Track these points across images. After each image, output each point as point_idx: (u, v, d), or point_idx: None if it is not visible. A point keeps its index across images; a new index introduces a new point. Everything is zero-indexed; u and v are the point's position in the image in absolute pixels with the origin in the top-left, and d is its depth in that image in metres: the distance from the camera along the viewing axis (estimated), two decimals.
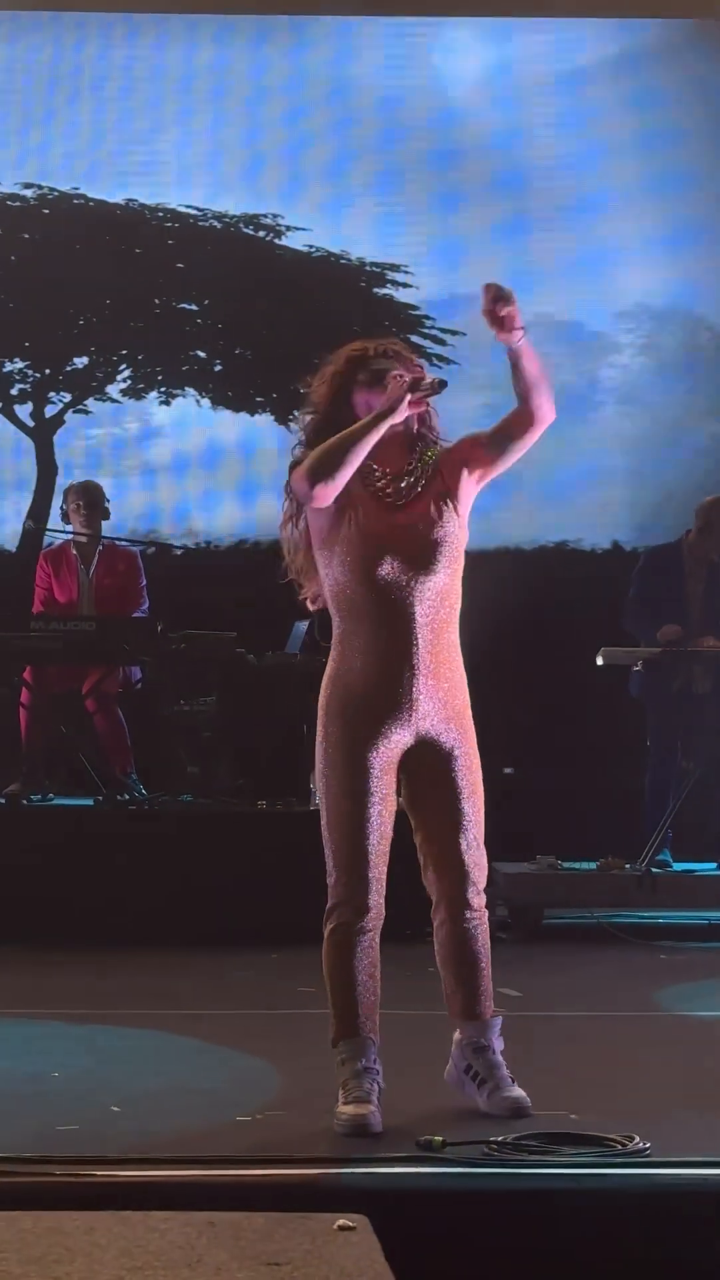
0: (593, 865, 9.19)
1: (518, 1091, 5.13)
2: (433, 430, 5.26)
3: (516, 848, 9.22)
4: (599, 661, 9.41)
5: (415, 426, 5.21)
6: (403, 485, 5.16)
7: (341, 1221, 3.62)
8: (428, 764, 5.14)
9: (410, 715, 5.07)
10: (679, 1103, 5.42)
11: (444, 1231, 4.33)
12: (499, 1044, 5.23)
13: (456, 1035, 5.26)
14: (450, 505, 5.18)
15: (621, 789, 9.84)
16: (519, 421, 5.19)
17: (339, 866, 5.10)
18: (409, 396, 5.07)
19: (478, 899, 5.20)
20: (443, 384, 5.11)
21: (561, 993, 7.59)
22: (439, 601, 5.11)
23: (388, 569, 5.06)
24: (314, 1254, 3.45)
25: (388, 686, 5.06)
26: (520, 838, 9.43)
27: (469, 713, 5.19)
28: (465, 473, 5.21)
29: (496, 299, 5.10)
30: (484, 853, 5.21)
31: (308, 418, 5.29)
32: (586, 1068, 6.03)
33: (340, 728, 5.09)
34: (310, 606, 5.34)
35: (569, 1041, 6.53)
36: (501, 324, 5.11)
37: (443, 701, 5.11)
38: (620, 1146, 4.69)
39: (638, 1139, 4.72)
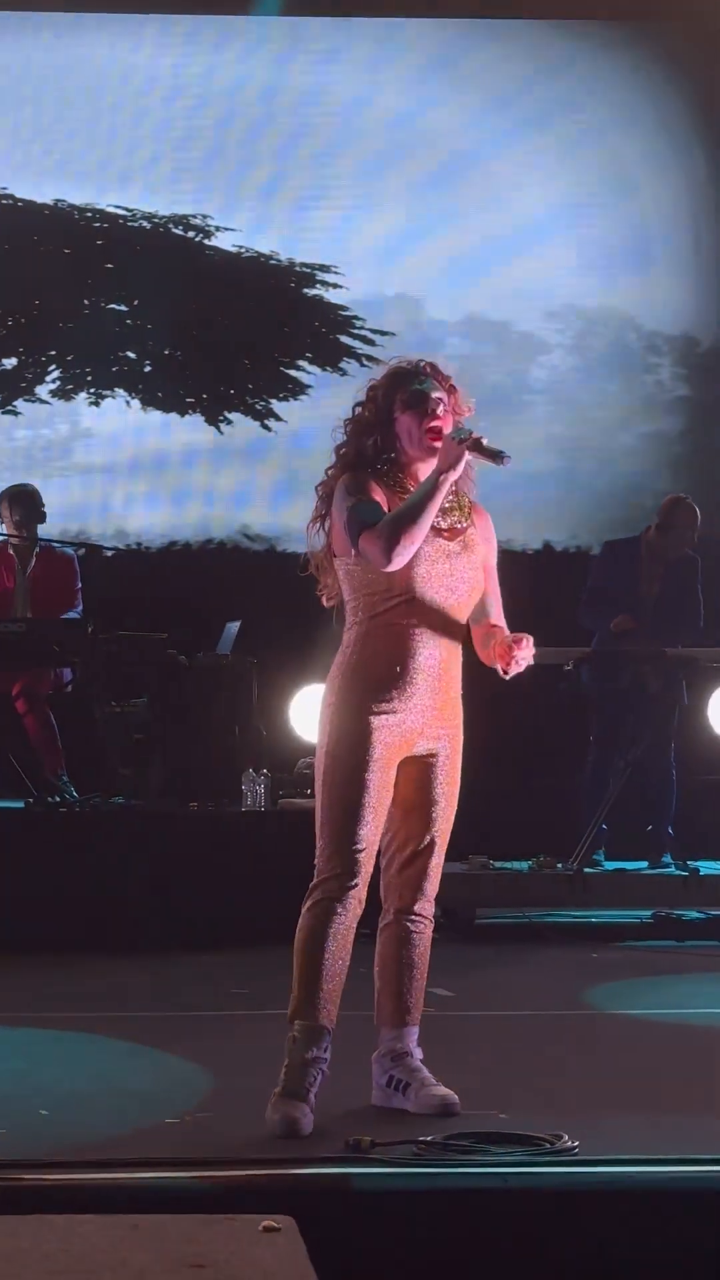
0: (525, 865, 9.20)
1: (443, 1090, 5.16)
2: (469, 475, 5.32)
3: (449, 847, 9.21)
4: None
5: None
6: (452, 518, 5.24)
7: (267, 1223, 3.61)
8: (418, 772, 5.24)
9: (417, 724, 5.18)
10: (607, 1102, 5.44)
11: (371, 1232, 4.33)
12: (418, 1052, 5.25)
13: (376, 1052, 5.27)
14: (478, 550, 5.29)
15: (555, 788, 9.85)
16: (476, 637, 5.37)
17: (330, 846, 5.14)
18: (468, 456, 5.12)
19: (428, 909, 5.30)
20: (505, 458, 5.12)
21: (493, 992, 7.60)
22: (460, 621, 5.27)
23: (428, 588, 5.18)
24: (238, 1255, 3.43)
25: (404, 694, 5.16)
26: (453, 837, 9.43)
27: (462, 732, 5.31)
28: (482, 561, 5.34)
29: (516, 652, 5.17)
30: (441, 866, 5.32)
31: (351, 435, 5.33)
32: (516, 1067, 6.04)
33: (358, 725, 5.15)
34: (325, 603, 5.41)
35: (499, 1040, 6.53)
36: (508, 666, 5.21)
37: (444, 716, 5.23)
38: (548, 1145, 4.69)
39: (566, 1138, 4.73)
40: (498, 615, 5.38)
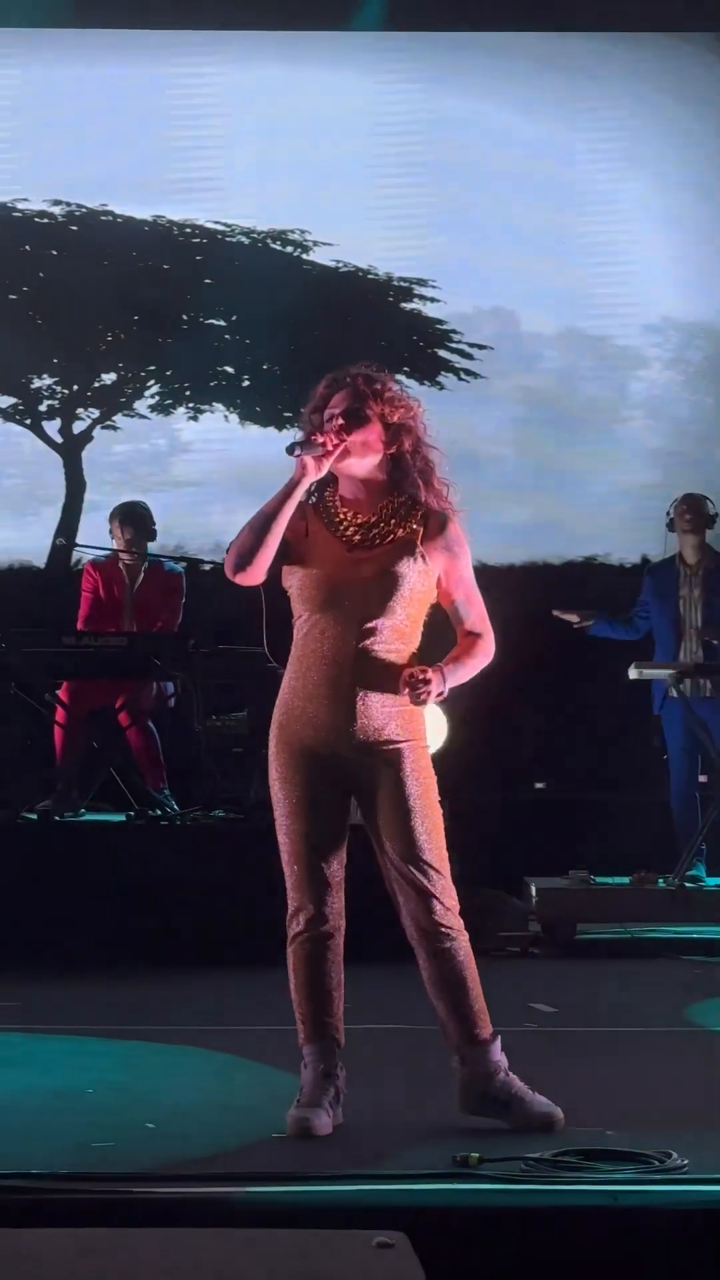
0: (626, 880, 9.16)
1: (543, 1104, 5.14)
2: (421, 478, 5.27)
3: (549, 863, 9.21)
4: (631, 675, 9.40)
5: (390, 469, 5.27)
6: (371, 533, 5.23)
7: (380, 1239, 3.61)
8: (374, 794, 5.23)
9: (344, 741, 5.18)
10: (716, 1118, 5.40)
11: (481, 1248, 4.31)
12: (504, 1061, 5.22)
13: (457, 1063, 5.24)
14: (423, 561, 5.23)
15: (654, 803, 9.81)
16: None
17: (288, 881, 5.29)
18: (310, 464, 5.14)
19: (449, 916, 5.23)
20: (297, 448, 5.17)
21: (595, 1008, 7.57)
22: (390, 639, 5.20)
23: (338, 602, 5.17)
24: (352, 1271, 3.44)
25: (322, 711, 5.19)
26: (553, 853, 9.42)
27: (421, 738, 5.27)
28: (439, 570, 5.28)
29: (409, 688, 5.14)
30: (445, 869, 5.24)
31: None
32: (622, 1083, 6.01)
33: (283, 753, 5.28)
34: None
35: (604, 1057, 6.50)
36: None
37: (383, 728, 5.19)
38: (657, 1163, 4.67)
39: (675, 1155, 4.70)
40: (473, 622, 5.30)
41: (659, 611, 9.71)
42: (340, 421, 5.16)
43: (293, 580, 5.26)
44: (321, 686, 5.18)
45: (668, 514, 9.85)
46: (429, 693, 5.09)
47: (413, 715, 5.23)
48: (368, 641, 5.16)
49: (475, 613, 5.31)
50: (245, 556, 5.17)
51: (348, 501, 5.27)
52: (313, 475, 5.16)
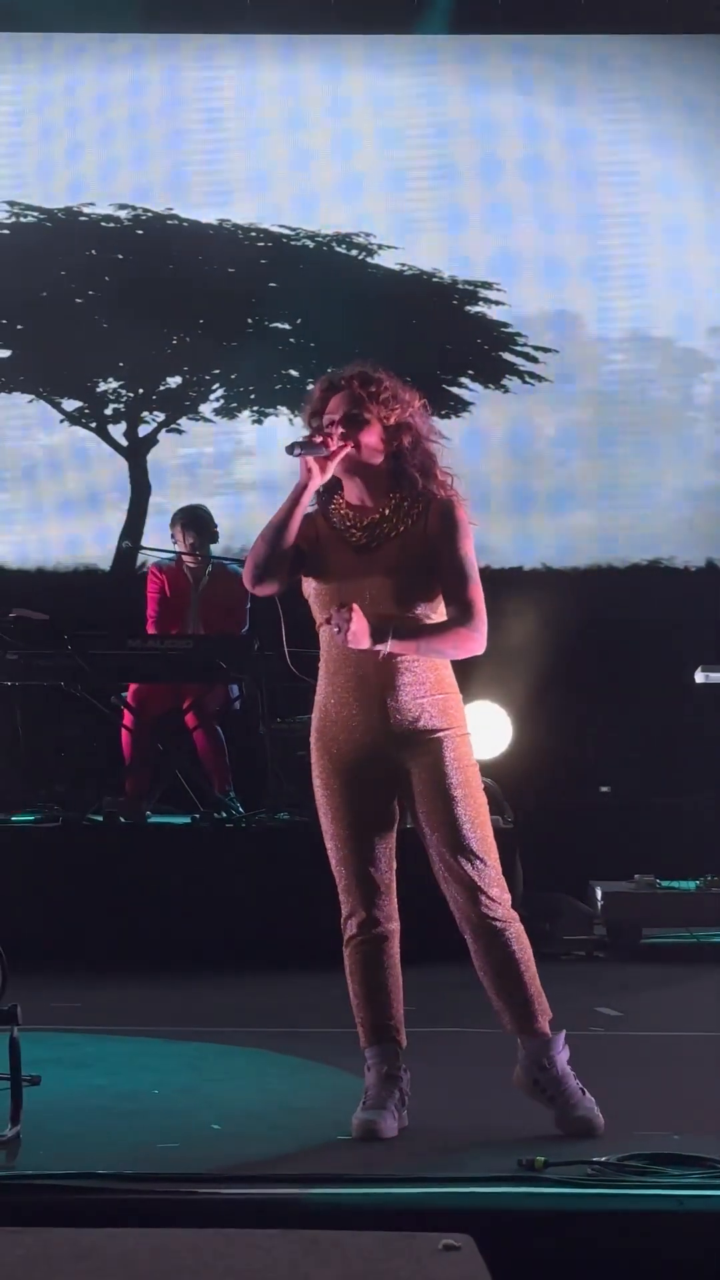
0: (692, 885, 9.13)
1: (587, 1109, 5.09)
2: (421, 473, 5.26)
3: (615, 866, 9.18)
4: (697, 679, 9.37)
5: (391, 468, 5.26)
6: (376, 531, 5.22)
7: (446, 1241, 3.61)
8: (417, 782, 5.21)
9: (382, 737, 5.18)
10: None
11: (547, 1252, 4.31)
12: (564, 1054, 5.19)
13: (520, 1057, 5.23)
14: (422, 553, 5.21)
15: None
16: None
17: (339, 885, 5.33)
18: (315, 466, 5.12)
19: (496, 908, 5.20)
20: (297, 447, 5.14)
21: (661, 1012, 7.55)
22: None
23: (353, 601, 5.12)
24: (420, 1274, 3.44)
25: (353, 710, 5.19)
26: (618, 856, 9.40)
27: (459, 730, 5.24)
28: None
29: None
30: (491, 858, 5.21)
31: None
32: (688, 1087, 5.98)
33: (324, 759, 5.27)
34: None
35: (670, 1061, 6.48)
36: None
37: (417, 719, 5.18)
38: None
39: None
40: (455, 605, 5.18)
41: None
42: (340, 429, 5.15)
43: (310, 588, 5.29)
44: (350, 688, 5.19)
45: None
46: (345, 629, 5.02)
47: (447, 704, 5.22)
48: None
49: (460, 597, 5.19)
50: (261, 566, 5.19)
51: (353, 505, 5.28)
52: (318, 479, 5.14)
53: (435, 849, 5.22)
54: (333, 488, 5.30)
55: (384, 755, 5.20)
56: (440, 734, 5.20)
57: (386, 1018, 5.24)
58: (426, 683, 5.19)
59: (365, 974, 5.27)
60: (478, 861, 5.18)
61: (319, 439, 5.15)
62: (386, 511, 5.23)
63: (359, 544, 5.23)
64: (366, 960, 5.27)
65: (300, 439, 5.19)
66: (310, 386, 5.44)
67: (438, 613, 5.22)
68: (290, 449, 5.14)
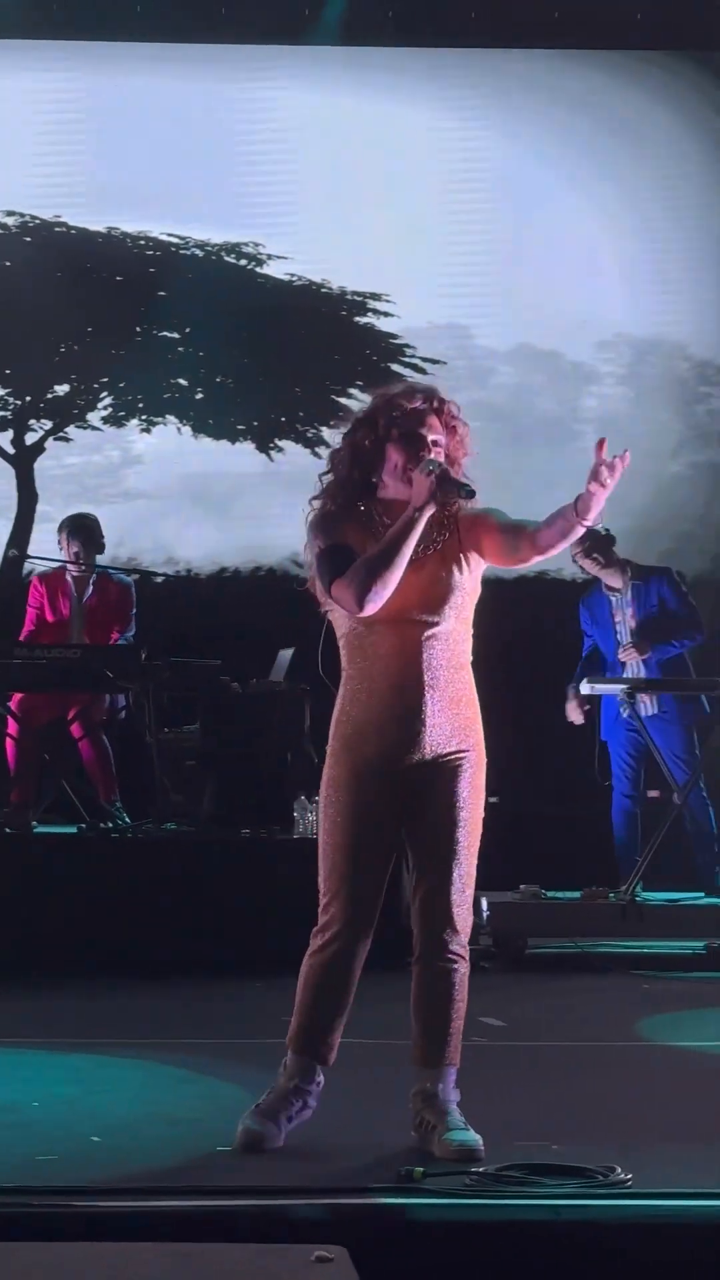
0: (577, 894, 9.17)
1: (467, 1135, 5.02)
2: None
3: (500, 877, 9.20)
4: (583, 690, 9.42)
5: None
6: (419, 544, 5.15)
7: (319, 1253, 3.60)
8: (432, 799, 5.16)
9: (417, 750, 5.12)
10: (661, 1134, 5.41)
11: (423, 1263, 4.31)
12: (454, 1095, 5.15)
13: (411, 1090, 5.20)
14: (465, 564, 5.19)
15: (605, 819, 9.83)
16: (530, 547, 5.14)
17: (326, 889, 5.16)
18: (437, 492, 5.06)
19: (459, 946, 5.19)
20: (468, 493, 5.06)
21: (545, 1022, 7.58)
22: (450, 643, 5.17)
23: (402, 615, 5.09)
24: None
25: (396, 724, 5.12)
26: (504, 867, 9.41)
27: (482, 751, 5.22)
28: (478, 552, 5.21)
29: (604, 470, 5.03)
30: (470, 892, 5.20)
31: (342, 463, 5.27)
32: (569, 1098, 6.01)
33: (346, 767, 5.16)
34: (327, 619, 5.35)
35: (552, 1071, 6.51)
36: (596, 493, 5.03)
37: (452, 737, 5.15)
38: (601, 1178, 4.66)
39: (619, 1170, 4.69)
40: (515, 524, 5.17)
41: (600, 637, 9.78)
42: (445, 469, 5.09)
43: None
44: (389, 699, 5.11)
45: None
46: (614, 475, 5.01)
47: (473, 723, 5.20)
48: (429, 651, 5.12)
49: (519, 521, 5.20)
50: (386, 586, 5.03)
51: (395, 517, 5.18)
52: (430, 510, 5.07)
53: (422, 870, 5.18)
54: (371, 498, 5.21)
55: (410, 768, 5.13)
56: (465, 753, 5.16)
57: (326, 1032, 5.17)
58: (462, 699, 5.18)
59: (323, 982, 5.16)
60: (459, 896, 5.16)
61: (465, 485, 5.07)
62: (429, 524, 5.14)
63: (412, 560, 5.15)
64: (329, 969, 5.15)
65: (445, 467, 5.09)
66: (390, 392, 5.29)
67: (468, 621, 5.20)
68: (436, 474, 5.04)
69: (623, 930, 9.03)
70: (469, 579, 5.21)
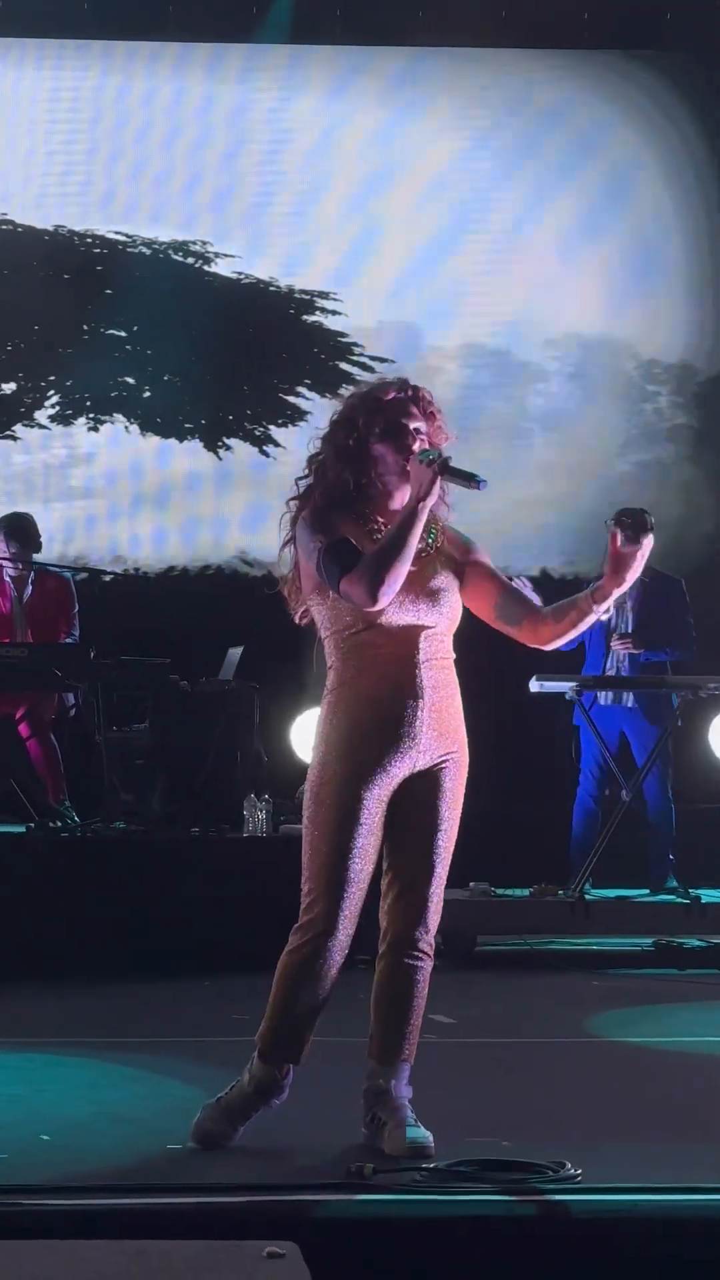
0: (525, 892, 9.19)
1: (418, 1132, 5.02)
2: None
3: (450, 874, 9.20)
4: (531, 688, 9.43)
5: None
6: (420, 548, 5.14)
7: (270, 1249, 3.61)
8: (418, 796, 5.15)
9: (412, 749, 5.10)
10: (610, 1129, 5.42)
11: (373, 1258, 4.31)
12: (407, 1091, 5.15)
13: (364, 1085, 5.19)
14: (449, 567, 5.19)
15: (556, 815, 9.84)
16: (527, 633, 5.22)
17: (316, 890, 5.10)
18: (439, 480, 5.05)
19: (429, 943, 5.19)
20: (478, 481, 5.02)
21: (494, 1019, 7.59)
22: (442, 642, 5.18)
23: (398, 612, 5.08)
24: None
25: (394, 722, 5.09)
26: (454, 865, 9.42)
27: (466, 751, 5.22)
28: (459, 582, 5.21)
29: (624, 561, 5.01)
30: (442, 892, 5.21)
31: (326, 462, 5.23)
32: (518, 1094, 6.03)
33: (344, 765, 5.10)
34: (298, 621, 5.32)
35: (501, 1068, 6.53)
36: (619, 578, 5.02)
37: (444, 736, 5.15)
38: (551, 1173, 4.67)
39: (568, 1165, 4.70)
40: (537, 600, 5.21)
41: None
42: (446, 459, 5.09)
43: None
44: (388, 699, 5.08)
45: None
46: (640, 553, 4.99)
47: (461, 723, 5.20)
48: (425, 652, 5.12)
49: (529, 592, 5.23)
50: (397, 579, 5.00)
51: (389, 514, 5.16)
52: (434, 499, 5.05)
53: (400, 866, 5.16)
54: (372, 495, 5.17)
55: (405, 767, 5.10)
56: (453, 754, 5.16)
57: (300, 1031, 5.11)
58: (454, 700, 5.18)
59: (301, 980, 5.09)
60: (434, 896, 5.16)
61: (474, 475, 5.05)
62: (428, 525, 5.11)
63: None
64: (308, 968, 5.08)
65: (445, 457, 5.05)
66: (363, 390, 5.26)
67: (455, 625, 5.20)
68: (434, 464, 5.02)
69: (572, 927, 9.05)
70: (455, 584, 5.21)
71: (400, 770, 5.10)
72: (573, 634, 5.17)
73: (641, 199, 12.44)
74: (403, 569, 5.00)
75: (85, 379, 12.26)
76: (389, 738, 5.08)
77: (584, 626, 5.15)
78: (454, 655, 5.24)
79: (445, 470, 5.04)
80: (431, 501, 5.04)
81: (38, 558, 10.04)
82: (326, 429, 5.27)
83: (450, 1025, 7.05)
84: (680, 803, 9.84)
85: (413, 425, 5.15)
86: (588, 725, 9.49)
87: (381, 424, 5.14)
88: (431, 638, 5.14)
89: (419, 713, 5.09)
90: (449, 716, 5.17)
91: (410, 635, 5.11)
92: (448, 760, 5.16)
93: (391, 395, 5.19)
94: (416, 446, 5.11)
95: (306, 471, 5.27)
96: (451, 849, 5.22)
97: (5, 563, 9.88)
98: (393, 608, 5.06)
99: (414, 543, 5.02)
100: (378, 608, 5.02)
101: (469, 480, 5.01)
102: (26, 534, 9.96)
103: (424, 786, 5.14)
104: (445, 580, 5.18)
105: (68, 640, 9.77)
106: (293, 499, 5.27)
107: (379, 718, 5.09)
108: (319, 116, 12.38)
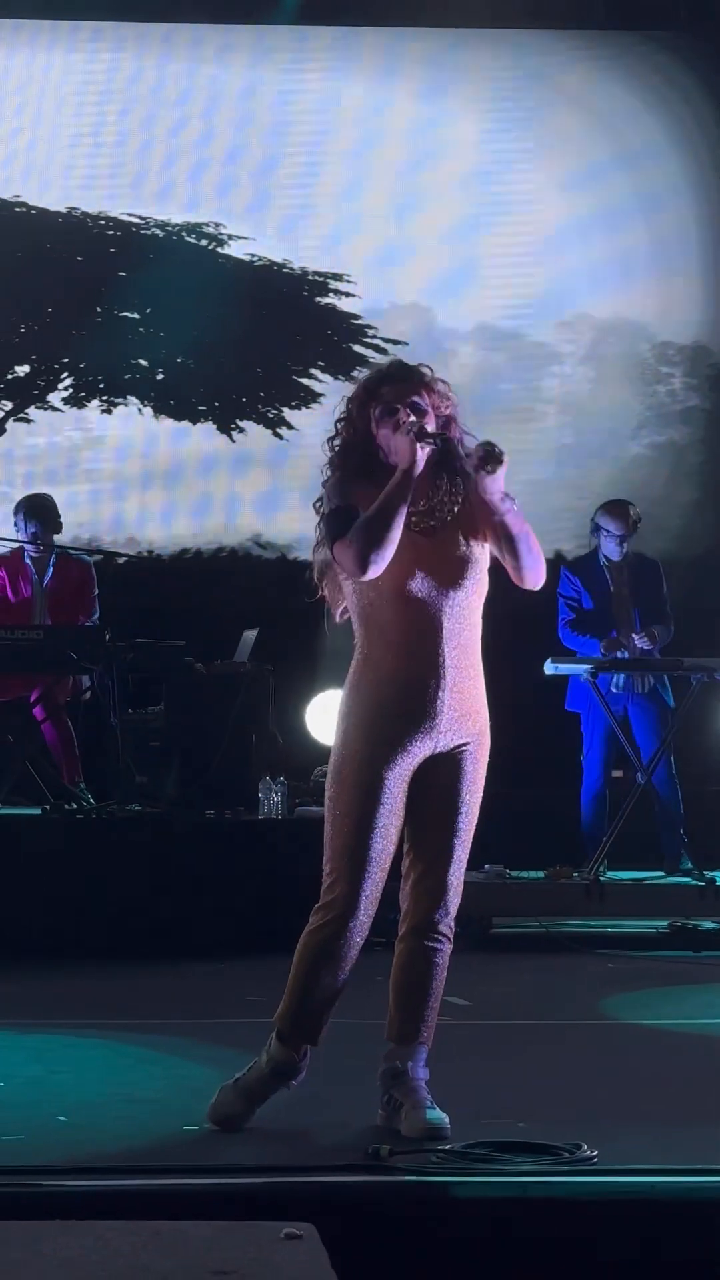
0: (540, 874, 9.19)
1: (435, 1114, 5.02)
2: (459, 457, 5.20)
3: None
4: (546, 671, 9.43)
5: (439, 458, 5.16)
6: (432, 515, 5.14)
7: (288, 1230, 3.61)
8: (439, 777, 5.14)
9: (433, 729, 5.09)
10: (626, 1111, 5.42)
11: (390, 1240, 4.32)
12: (424, 1073, 5.15)
13: (380, 1067, 5.19)
14: (477, 537, 5.16)
15: (570, 798, 9.84)
16: (512, 574, 5.20)
17: (337, 871, 5.09)
18: (421, 458, 5.05)
19: (449, 926, 5.19)
20: (434, 443, 5.04)
21: (510, 1001, 7.58)
22: (465, 618, 5.14)
23: (418, 587, 5.07)
24: (260, 1263, 3.43)
25: (416, 701, 5.07)
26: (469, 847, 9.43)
27: (488, 732, 5.21)
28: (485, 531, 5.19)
29: (484, 460, 4.99)
30: (463, 874, 5.21)
31: (337, 456, 5.24)
32: (534, 1076, 6.02)
33: (365, 744, 5.09)
34: (338, 619, 5.31)
35: (517, 1050, 6.52)
36: (487, 486, 5.01)
37: (466, 717, 5.13)
38: (567, 1155, 4.68)
39: (585, 1147, 4.71)
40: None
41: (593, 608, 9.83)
42: (421, 425, 5.08)
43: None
44: (412, 676, 5.07)
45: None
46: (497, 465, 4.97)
47: (484, 702, 5.18)
48: (451, 625, 5.10)
49: None
50: (386, 547, 4.99)
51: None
52: (420, 465, 5.05)
53: (422, 847, 5.16)
54: (377, 471, 5.16)
55: (430, 744, 5.09)
56: (476, 734, 5.15)
57: (318, 1013, 5.10)
58: (478, 678, 5.16)
59: (321, 963, 5.07)
60: (455, 877, 5.16)
61: (438, 435, 5.06)
62: (437, 496, 5.12)
63: (418, 528, 5.13)
64: (328, 952, 5.07)
65: (428, 428, 5.08)
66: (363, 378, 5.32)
67: (483, 594, 5.17)
68: (425, 438, 5.02)
69: (587, 910, 9.05)
70: (484, 553, 5.18)
71: (421, 750, 5.09)
72: (518, 549, 5.10)
73: (657, 181, 12.41)
74: (390, 537, 4.98)
75: (98, 361, 12.26)
76: (409, 717, 5.07)
77: (519, 543, 5.10)
78: (480, 627, 5.20)
79: (420, 436, 5.04)
80: (417, 469, 5.03)
81: (58, 539, 10.03)
82: (335, 424, 5.29)
83: (466, 1007, 7.05)
84: (692, 786, 9.84)
85: (411, 398, 5.14)
86: (600, 706, 9.49)
87: (376, 409, 5.15)
88: (455, 611, 5.10)
89: (440, 692, 5.07)
90: (471, 698, 5.14)
91: (432, 609, 5.08)
92: (468, 744, 5.14)
93: (390, 371, 5.23)
94: (411, 417, 5.09)
95: (334, 432, 5.27)
96: (472, 833, 5.21)
97: (26, 545, 9.88)
98: (413, 581, 5.06)
99: (400, 508, 5.00)
100: (367, 576, 5.01)
101: (433, 440, 5.03)
102: (47, 514, 9.96)
103: (445, 769, 5.13)
104: (470, 550, 5.14)
105: (87, 623, 9.77)
106: (326, 465, 5.28)
107: (400, 696, 5.07)
108: (333, 99, 12.36)
